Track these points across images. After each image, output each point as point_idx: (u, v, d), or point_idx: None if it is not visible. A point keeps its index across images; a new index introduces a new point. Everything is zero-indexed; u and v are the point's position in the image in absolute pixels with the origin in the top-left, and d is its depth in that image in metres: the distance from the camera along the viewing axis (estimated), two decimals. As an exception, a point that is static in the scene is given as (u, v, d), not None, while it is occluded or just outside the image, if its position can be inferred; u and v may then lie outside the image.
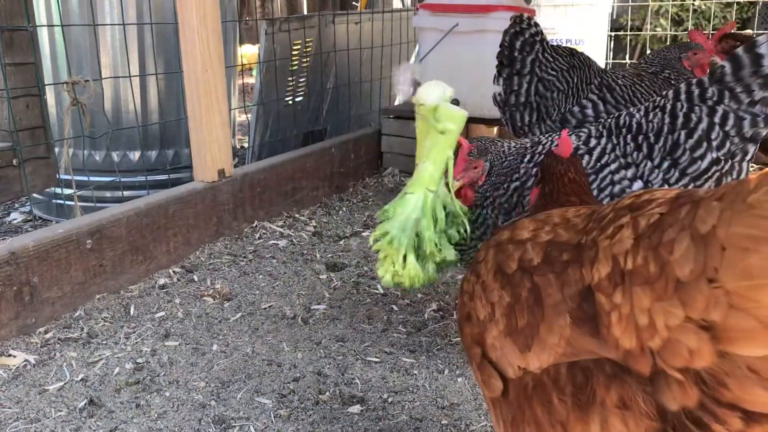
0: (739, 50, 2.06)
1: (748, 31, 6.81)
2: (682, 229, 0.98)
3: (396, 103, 5.16)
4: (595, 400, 1.11)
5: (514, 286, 1.26)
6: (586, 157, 2.32)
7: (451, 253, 1.87)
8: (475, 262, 1.45)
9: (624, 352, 1.05)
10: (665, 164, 2.22)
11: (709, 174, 2.19)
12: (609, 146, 2.32)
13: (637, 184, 2.23)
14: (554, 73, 3.22)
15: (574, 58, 3.31)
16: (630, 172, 2.25)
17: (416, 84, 1.93)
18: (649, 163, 2.24)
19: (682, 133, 2.18)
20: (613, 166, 2.28)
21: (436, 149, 1.86)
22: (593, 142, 2.36)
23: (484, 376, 1.35)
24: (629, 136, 2.30)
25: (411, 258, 1.77)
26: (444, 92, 1.86)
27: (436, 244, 1.80)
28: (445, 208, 1.89)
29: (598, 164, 2.30)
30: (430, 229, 1.80)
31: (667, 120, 2.22)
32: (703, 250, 0.94)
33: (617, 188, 2.25)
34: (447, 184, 1.93)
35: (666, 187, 2.21)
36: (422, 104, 1.83)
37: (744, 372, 0.93)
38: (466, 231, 1.95)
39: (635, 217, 1.08)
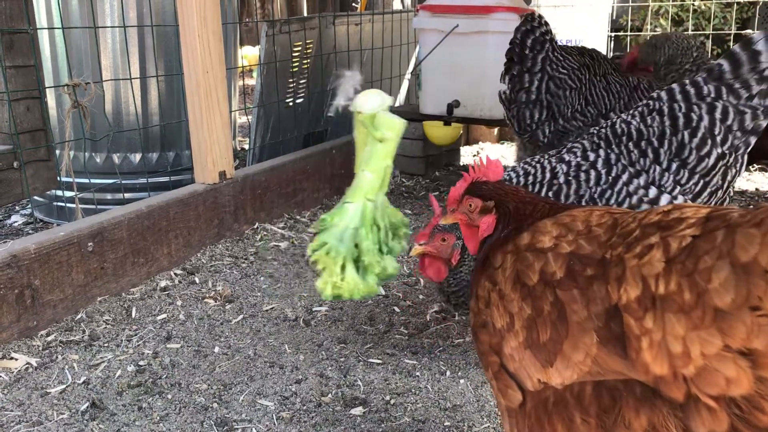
0: (736, 48, 2.10)
1: (749, 31, 6.81)
2: (719, 257, 0.96)
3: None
4: (623, 423, 1.08)
5: (535, 298, 1.23)
6: (592, 172, 2.26)
7: (392, 265, 1.79)
8: (490, 266, 1.41)
9: (655, 377, 1.04)
10: (674, 166, 2.22)
11: (717, 169, 2.21)
12: (613, 157, 2.28)
13: (652, 191, 2.22)
14: (565, 71, 3.23)
15: (584, 57, 3.32)
16: (642, 180, 2.23)
17: (356, 92, 1.90)
18: (658, 168, 2.23)
19: (686, 133, 2.19)
20: (624, 177, 2.24)
21: (375, 158, 1.82)
22: (592, 156, 2.30)
23: (500, 384, 1.33)
24: (631, 144, 2.27)
25: (350, 269, 1.70)
26: (383, 101, 1.84)
27: (375, 255, 1.74)
28: (384, 219, 1.83)
29: (610, 177, 2.25)
30: (368, 239, 1.73)
31: (667, 122, 2.22)
32: (746, 279, 0.93)
33: (635, 199, 2.23)
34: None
35: (678, 188, 2.21)
36: (360, 112, 1.81)
37: None
38: (403, 242, 1.89)
39: (665, 238, 1.06)
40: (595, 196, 2.23)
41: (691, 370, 0.99)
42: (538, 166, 2.36)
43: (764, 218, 0.93)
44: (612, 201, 2.23)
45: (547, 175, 2.30)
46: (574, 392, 1.17)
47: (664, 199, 2.21)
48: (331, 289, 1.71)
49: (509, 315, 1.28)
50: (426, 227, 2.25)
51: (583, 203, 2.23)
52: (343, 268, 1.70)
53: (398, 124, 1.82)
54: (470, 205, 1.60)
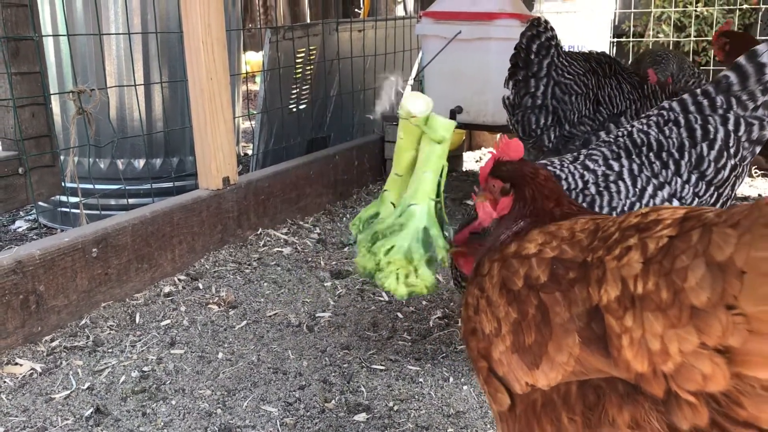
0: (741, 59, 2.12)
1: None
2: (695, 255, 0.98)
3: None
4: (607, 419, 1.11)
5: (520, 302, 1.25)
6: (621, 183, 2.24)
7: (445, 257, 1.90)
8: (478, 275, 1.44)
9: (636, 374, 1.06)
10: (693, 178, 2.23)
11: (729, 180, 2.24)
12: (635, 167, 2.26)
13: (675, 204, 2.21)
14: (570, 77, 3.24)
15: (589, 62, 3.34)
16: (666, 193, 2.23)
17: (398, 95, 1.94)
18: (679, 180, 2.23)
19: (704, 145, 2.20)
20: (650, 190, 2.23)
21: (434, 159, 1.86)
22: (616, 165, 2.27)
23: (490, 389, 1.35)
24: (652, 155, 2.25)
25: (423, 267, 1.78)
26: (429, 103, 1.87)
27: (445, 251, 1.82)
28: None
29: (637, 189, 2.23)
30: (441, 236, 1.81)
31: (685, 134, 2.23)
32: (721, 278, 0.94)
33: None
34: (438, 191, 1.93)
35: (696, 200, 2.23)
36: (414, 115, 1.83)
37: (759, 392, 0.93)
38: (450, 235, 1.96)
39: (643, 239, 1.08)
40: (626, 209, 2.22)
41: (669, 366, 1.01)
42: (566, 170, 2.30)
43: (740, 219, 0.94)
44: None
45: (579, 183, 2.26)
46: (561, 392, 1.19)
47: None
48: (405, 288, 1.79)
49: (497, 320, 1.31)
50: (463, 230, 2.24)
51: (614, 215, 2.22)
52: (416, 267, 1.78)
53: (452, 125, 1.87)
54: (493, 186, 1.60)
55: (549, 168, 2.31)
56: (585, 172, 2.28)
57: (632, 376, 1.06)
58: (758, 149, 2.23)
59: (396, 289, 1.79)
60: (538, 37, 3.20)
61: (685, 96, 2.26)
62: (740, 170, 2.24)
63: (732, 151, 2.20)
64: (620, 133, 2.37)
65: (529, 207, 1.49)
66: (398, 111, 1.93)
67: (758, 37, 6.66)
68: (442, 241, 1.84)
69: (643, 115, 2.38)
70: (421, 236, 1.79)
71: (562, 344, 1.16)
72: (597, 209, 2.22)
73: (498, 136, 1.75)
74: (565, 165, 2.31)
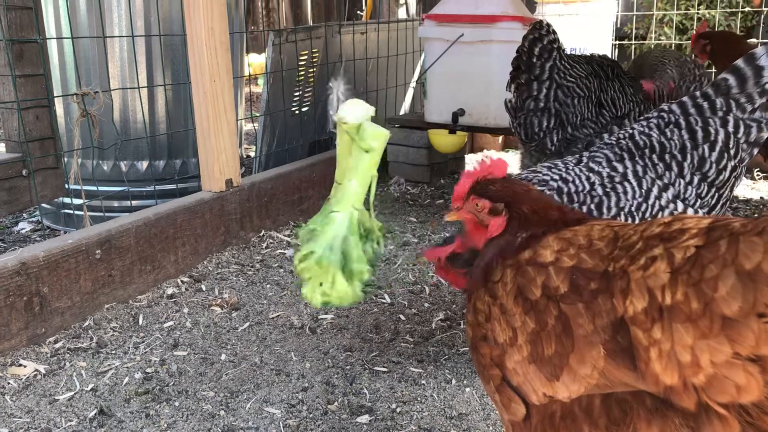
0: (740, 62, 2.15)
1: (753, 40, 6.81)
2: (724, 265, 0.98)
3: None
4: None
5: (538, 312, 1.23)
6: (627, 184, 2.25)
7: (368, 270, 1.82)
8: (489, 281, 1.40)
9: (665, 387, 1.04)
10: (696, 180, 2.25)
11: (729, 181, 2.26)
12: (639, 169, 2.27)
13: (680, 205, 2.23)
14: (572, 79, 3.24)
15: (591, 65, 3.34)
16: (670, 194, 2.24)
17: (340, 101, 1.91)
18: (682, 182, 2.25)
19: (705, 147, 2.22)
20: (655, 191, 2.24)
21: (361, 168, 1.84)
22: (620, 167, 2.28)
23: (503, 398, 1.32)
24: (655, 157, 2.27)
25: (339, 277, 1.72)
26: (367, 110, 1.85)
27: (364, 263, 1.75)
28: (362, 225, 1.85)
29: (642, 191, 2.24)
30: (358, 247, 1.75)
31: (686, 136, 2.24)
32: (752, 287, 0.94)
33: (667, 212, 2.23)
34: (367, 202, 1.89)
35: (699, 201, 2.24)
36: (345, 122, 1.82)
37: None
38: (379, 247, 1.89)
39: (669, 249, 1.07)
40: (633, 209, 2.23)
41: (701, 378, 1.00)
42: (572, 173, 2.31)
43: (766, 227, 0.94)
44: (647, 215, 2.23)
45: (586, 185, 2.27)
46: (582, 405, 1.17)
47: (690, 213, 2.23)
48: (321, 297, 1.73)
49: (512, 329, 1.28)
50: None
51: (621, 216, 2.22)
52: (332, 276, 1.72)
53: (383, 135, 1.82)
54: (477, 205, 1.58)
55: (554, 171, 2.33)
56: (591, 174, 2.29)
57: (661, 389, 1.05)
58: (755, 151, 2.26)
59: (311, 299, 1.71)
60: (540, 40, 3.20)
61: (685, 99, 2.27)
62: (739, 171, 2.27)
63: (732, 152, 2.22)
64: (622, 136, 2.37)
65: (527, 224, 1.46)
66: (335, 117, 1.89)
67: (761, 40, 6.66)
68: (360, 252, 1.77)
69: (643, 118, 2.38)
70: (338, 245, 1.74)
71: (585, 356, 1.14)
72: (605, 210, 2.23)
73: (480, 156, 1.72)
74: (570, 168, 2.32)
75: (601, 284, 1.15)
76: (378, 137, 1.81)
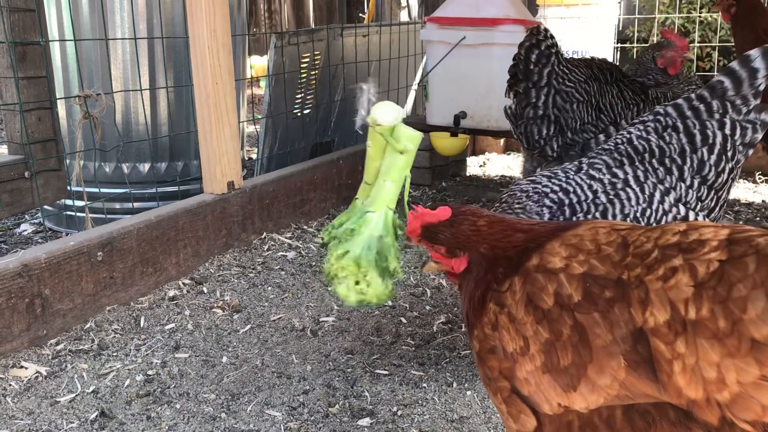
0: (735, 65, 2.16)
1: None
2: (754, 286, 0.97)
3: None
4: None
5: (552, 321, 1.20)
6: (629, 190, 2.24)
7: (400, 269, 1.87)
8: (494, 290, 1.37)
9: (688, 401, 1.03)
10: (696, 183, 2.25)
11: (727, 183, 2.27)
12: (641, 174, 2.26)
13: (682, 209, 2.24)
14: (571, 84, 3.21)
15: (591, 69, 3.32)
16: (672, 198, 2.24)
17: (371, 104, 1.92)
18: (683, 185, 2.25)
19: (704, 150, 2.22)
20: (657, 195, 2.24)
21: (396, 169, 1.87)
22: (620, 173, 2.27)
23: (512, 410, 1.30)
24: (655, 161, 2.27)
25: (375, 276, 1.76)
26: (399, 112, 1.87)
27: (399, 261, 1.80)
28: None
29: (645, 196, 2.24)
30: (395, 246, 1.79)
31: (685, 139, 2.24)
32: None
33: (670, 217, 2.24)
34: (400, 202, 1.92)
35: (699, 204, 2.25)
36: (380, 124, 1.84)
37: None
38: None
39: (689, 261, 1.06)
40: (638, 215, 2.23)
41: (725, 396, 0.99)
42: (573, 183, 2.29)
43: None
44: (652, 220, 2.23)
45: (589, 194, 2.26)
46: (603, 417, 1.15)
47: (691, 216, 2.24)
48: (357, 296, 1.77)
49: (523, 338, 1.25)
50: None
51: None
52: (369, 275, 1.76)
53: (417, 136, 1.87)
54: (439, 249, 1.57)
55: (554, 181, 2.32)
56: (592, 182, 2.28)
57: (684, 402, 1.04)
58: (750, 152, 2.27)
59: (346, 296, 1.75)
60: (537, 46, 3.18)
61: (680, 101, 2.27)
62: (735, 173, 2.28)
63: (729, 154, 2.22)
64: (620, 140, 2.36)
65: (492, 262, 1.41)
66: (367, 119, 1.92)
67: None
68: (396, 251, 1.80)
69: (638, 120, 2.36)
70: (375, 244, 1.77)
71: (605, 367, 1.12)
72: (610, 218, 2.23)
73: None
74: (570, 177, 2.31)
75: (617, 293, 1.14)
76: (413, 139, 1.86)
